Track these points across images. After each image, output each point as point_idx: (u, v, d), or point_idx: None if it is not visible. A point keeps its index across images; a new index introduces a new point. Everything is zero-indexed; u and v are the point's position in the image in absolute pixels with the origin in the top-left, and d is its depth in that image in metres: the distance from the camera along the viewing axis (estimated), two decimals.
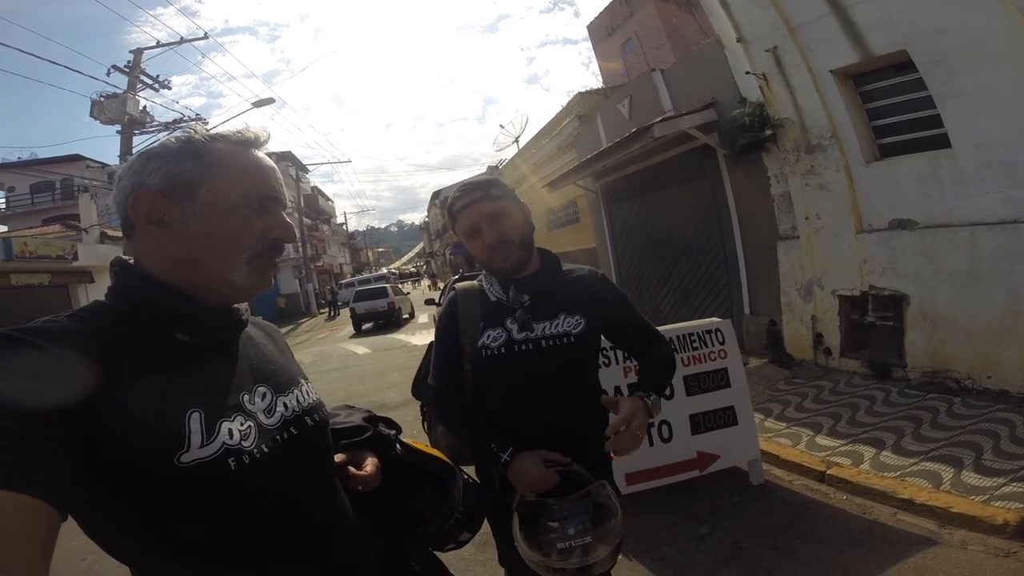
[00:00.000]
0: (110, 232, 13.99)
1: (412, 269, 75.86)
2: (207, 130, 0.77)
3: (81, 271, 12.74)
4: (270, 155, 0.82)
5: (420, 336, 12.72)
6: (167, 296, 0.71)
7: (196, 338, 0.73)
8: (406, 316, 16.98)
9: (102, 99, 11.29)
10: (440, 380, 1.45)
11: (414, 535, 1.04)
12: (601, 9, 24.56)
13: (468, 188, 1.37)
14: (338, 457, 0.89)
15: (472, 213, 1.34)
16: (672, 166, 7.25)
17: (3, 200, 23.99)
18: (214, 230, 0.72)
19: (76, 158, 23.33)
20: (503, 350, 1.33)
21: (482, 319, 1.37)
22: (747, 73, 5.37)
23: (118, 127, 11.45)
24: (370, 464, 0.92)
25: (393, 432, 1.05)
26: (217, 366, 0.74)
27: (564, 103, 12.92)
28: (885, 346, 4.69)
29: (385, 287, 16.36)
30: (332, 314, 25.21)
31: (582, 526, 1.13)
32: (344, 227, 50.89)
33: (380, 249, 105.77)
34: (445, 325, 1.43)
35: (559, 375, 1.35)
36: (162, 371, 0.66)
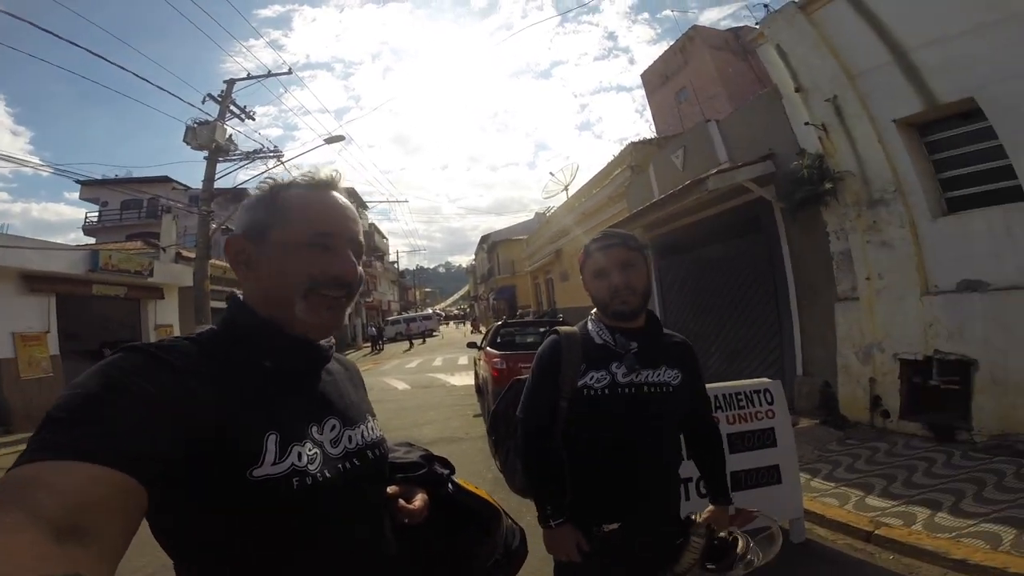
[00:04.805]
0: (184, 253, 14.92)
1: (456, 311, 76.84)
2: (283, 178, 0.87)
3: (153, 287, 13.33)
4: (346, 192, 0.89)
5: (459, 377, 12.73)
6: (259, 328, 0.81)
7: (281, 366, 0.81)
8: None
9: (195, 125, 11.90)
10: (533, 415, 1.51)
11: (453, 572, 1.05)
12: (655, 57, 24.23)
13: (610, 234, 1.50)
14: (391, 489, 0.94)
15: (607, 255, 1.46)
16: (726, 220, 7.08)
17: (96, 214, 26.28)
18: (279, 267, 0.81)
19: (165, 180, 25.02)
20: (606, 391, 1.42)
21: (584, 361, 1.45)
22: (806, 124, 5.26)
23: (205, 153, 12.05)
24: (419, 499, 0.96)
25: (447, 472, 1.08)
26: (297, 394, 0.81)
27: (616, 152, 12.94)
28: (949, 409, 4.32)
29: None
30: (376, 348, 25.70)
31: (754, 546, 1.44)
32: (395, 265, 52.45)
33: (427, 289, 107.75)
34: (545, 364, 1.50)
35: (654, 421, 1.44)
36: (252, 393, 0.75)
